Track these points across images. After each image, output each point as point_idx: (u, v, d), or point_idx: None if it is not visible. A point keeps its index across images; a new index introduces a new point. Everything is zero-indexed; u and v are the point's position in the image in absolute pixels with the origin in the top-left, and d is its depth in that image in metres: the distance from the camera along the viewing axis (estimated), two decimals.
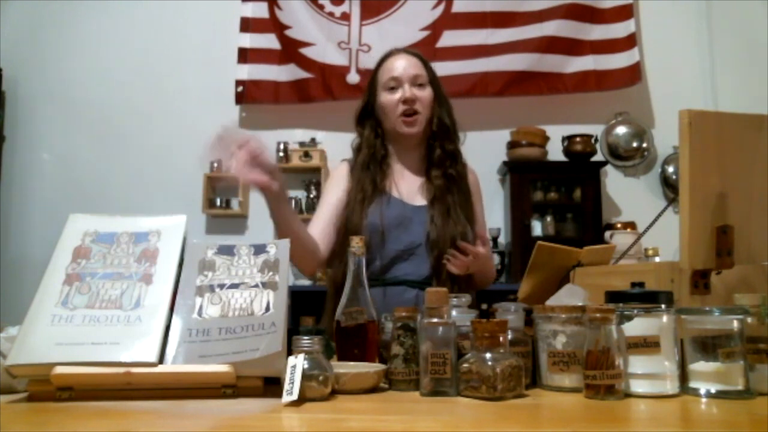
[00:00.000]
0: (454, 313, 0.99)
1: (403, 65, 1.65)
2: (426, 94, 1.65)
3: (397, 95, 1.63)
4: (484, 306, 1.79)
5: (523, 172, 3.69)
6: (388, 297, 1.51)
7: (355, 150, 1.73)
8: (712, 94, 3.82)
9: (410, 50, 1.73)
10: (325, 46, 3.89)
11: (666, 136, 3.79)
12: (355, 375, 0.92)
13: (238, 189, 3.82)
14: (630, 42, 3.78)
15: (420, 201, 1.64)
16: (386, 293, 1.53)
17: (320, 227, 1.62)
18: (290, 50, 3.91)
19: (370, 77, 1.73)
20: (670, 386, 0.88)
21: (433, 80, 1.68)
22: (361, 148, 1.70)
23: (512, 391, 0.86)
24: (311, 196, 3.82)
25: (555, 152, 3.76)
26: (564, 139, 3.76)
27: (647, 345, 0.88)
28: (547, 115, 3.85)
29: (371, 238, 1.53)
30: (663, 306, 0.90)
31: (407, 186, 1.66)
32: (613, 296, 0.94)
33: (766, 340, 0.90)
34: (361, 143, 1.71)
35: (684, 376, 0.90)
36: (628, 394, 0.87)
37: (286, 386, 0.82)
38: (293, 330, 1.03)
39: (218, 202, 3.81)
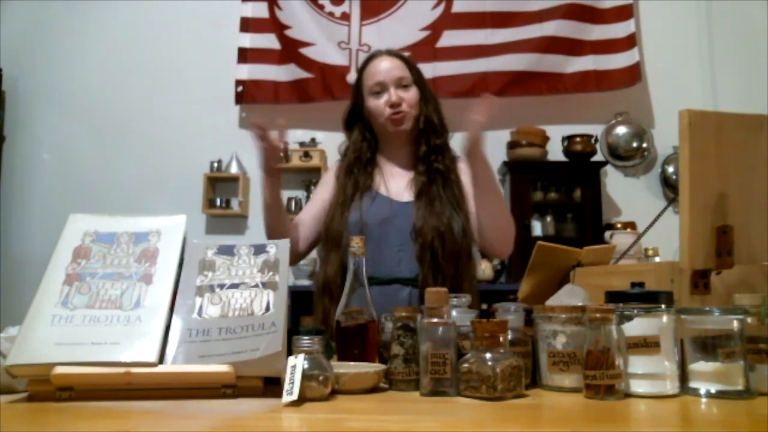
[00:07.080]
0: (454, 313, 0.99)
1: (386, 68, 1.66)
2: (411, 94, 1.66)
3: (384, 99, 1.64)
4: (484, 306, 1.80)
5: (523, 172, 3.69)
6: (381, 296, 1.49)
7: (342, 154, 1.76)
8: (712, 94, 3.82)
9: (393, 51, 1.73)
10: (325, 46, 3.88)
11: (666, 136, 3.79)
12: (355, 375, 0.92)
13: (238, 188, 3.82)
14: (630, 42, 3.78)
15: (407, 197, 1.65)
16: (379, 293, 1.52)
17: (305, 221, 1.67)
18: (290, 50, 3.90)
19: (356, 80, 1.74)
20: (670, 386, 0.88)
21: (418, 79, 1.69)
22: (347, 152, 1.72)
23: (512, 391, 0.86)
24: (311, 196, 3.82)
25: (555, 152, 3.75)
26: (564, 139, 3.76)
27: (647, 345, 0.88)
28: (547, 115, 3.84)
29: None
30: (663, 306, 0.90)
31: (396, 184, 1.67)
32: (613, 296, 0.94)
33: (766, 340, 0.90)
34: (348, 147, 1.73)
35: (684, 376, 0.90)
36: (628, 394, 0.87)
37: (286, 386, 0.82)
38: (293, 330, 1.03)
39: (218, 202, 3.81)
